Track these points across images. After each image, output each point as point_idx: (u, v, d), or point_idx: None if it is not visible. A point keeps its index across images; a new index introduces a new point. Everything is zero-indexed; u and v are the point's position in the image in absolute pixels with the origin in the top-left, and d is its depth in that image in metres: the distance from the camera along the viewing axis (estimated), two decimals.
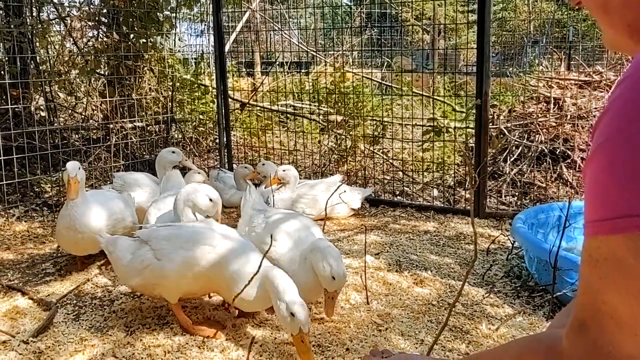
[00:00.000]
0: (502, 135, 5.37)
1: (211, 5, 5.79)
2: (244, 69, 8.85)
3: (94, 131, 6.18)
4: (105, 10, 5.84)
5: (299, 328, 2.35)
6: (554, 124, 5.17)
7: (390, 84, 7.12)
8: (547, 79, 5.74)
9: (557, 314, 1.04)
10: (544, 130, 5.16)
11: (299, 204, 4.71)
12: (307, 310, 2.40)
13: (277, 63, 8.53)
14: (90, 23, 5.75)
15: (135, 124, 5.93)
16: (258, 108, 7.04)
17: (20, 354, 2.55)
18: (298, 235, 2.93)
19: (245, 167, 5.23)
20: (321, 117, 6.60)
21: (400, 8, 8.86)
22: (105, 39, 5.77)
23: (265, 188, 4.92)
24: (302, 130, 6.37)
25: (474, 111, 4.66)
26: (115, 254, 2.84)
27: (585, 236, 0.69)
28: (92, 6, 6.04)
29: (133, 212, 3.76)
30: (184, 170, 5.26)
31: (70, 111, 6.35)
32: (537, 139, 5.13)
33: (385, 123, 5.91)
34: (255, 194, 3.48)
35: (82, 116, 6.24)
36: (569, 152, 4.95)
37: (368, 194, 5.04)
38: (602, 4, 0.74)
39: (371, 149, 5.86)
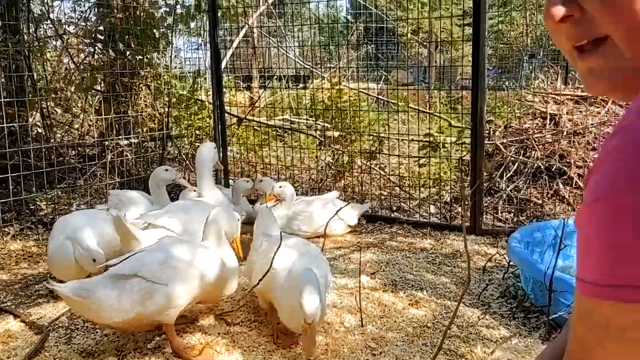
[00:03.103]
0: (497, 152, 5.36)
1: (208, 22, 5.80)
2: (241, 83, 8.86)
3: (90, 148, 6.17)
4: (101, 28, 5.85)
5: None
6: (550, 140, 5.17)
7: (387, 99, 7.12)
8: (543, 94, 5.75)
9: (560, 334, 1.03)
10: (540, 146, 5.15)
11: (295, 221, 4.70)
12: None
13: (275, 77, 8.54)
14: (86, 40, 5.75)
15: (130, 140, 5.93)
16: (255, 123, 7.04)
17: None
18: (293, 263, 2.88)
19: (247, 181, 5.21)
20: (318, 132, 6.60)
21: (396, 23, 8.89)
22: (101, 56, 5.78)
23: (261, 205, 4.91)
24: (300, 145, 6.37)
25: (468, 135, 4.66)
26: (93, 297, 2.59)
27: (577, 291, 0.67)
28: (88, 23, 6.05)
29: None
30: (180, 188, 5.25)
31: (67, 127, 6.35)
32: (533, 155, 5.12)
33: (382, 138, 5.91)
34: (267, 217, 3.41)
35: (79, 132, 6.23)
36: (566, 169, 4.94)
37: (365, 210, 5.02)
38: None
39: (368, 164, 5.85)
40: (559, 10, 0.73)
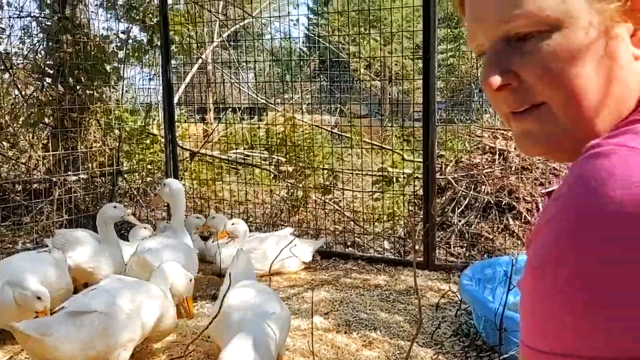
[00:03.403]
0: (449, 186, 5.45)
1: (160, 57, 5.76)
2: (195, 115, 8.80)
3: (37, 184, 6.00)
4: (50, 62, 5.74)
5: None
6: (499, 175, 5.28)
7: (340, 133, 7.18)
8: (492, 129, 5.89)
9: None
10: (490, 181, 5.26)
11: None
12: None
13: (230, 109, 8.52)
14: (34, 75, 5.63)
15: (80, 176, 5.78)
16: (208, 157, 6.98)
17: None
18: (244, 312, 2.81)
19: (198, 217, 5.14)
20: (273, 166, 6.58)
21: (349, 57, 9.04)
22: (50, 90, 5.65)
23: (213, 242, 4.84)
24: (254, 180, 6.33)
25: (420, 171, 4.73)
26: (57, 335, 2.58)
27: (521, 353, 0.67)
28: (37, 57, 5.93)
29: (67, 274, 3.61)
30: (130, 225, 5.13)
31: (13, 162, 6.16)
32: (483, 189, 5.22)
33: (337, 172, 5.93)
34: (243, 262, 3.36)
35: (26, 167, 6.06)
36: (515, 204, 5.04)
37: (319, 246, 5.00)
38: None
39: (323, 198, 5.85)
40: (496, 80, 0.74)
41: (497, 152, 5.48)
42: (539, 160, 5.21)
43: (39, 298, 3.10)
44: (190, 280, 3.22)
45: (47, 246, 4.36)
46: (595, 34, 0.69)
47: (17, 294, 3.15)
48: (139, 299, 2.87)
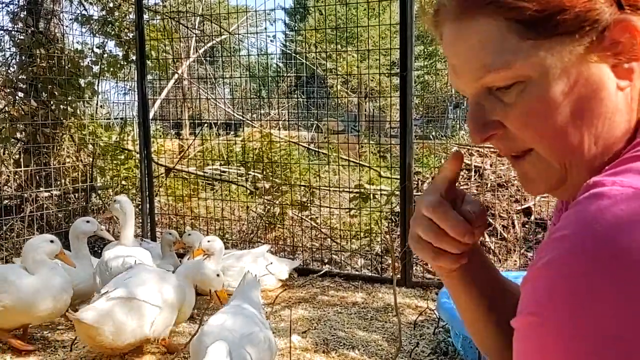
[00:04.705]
0: None
1: (136, 72, 5.70)
2: (171, 131, 8.72)
3: (7, 200, 5.86)
4: (23, 76, 5.64)
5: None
6: (475, 192, 5.32)
7: (317, 150, 7.18)
8: (468, 146, 5.95)
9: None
10: None
11: (224, 276, 4.57)
12: None
13: (206, 125, 8.46)
14: (6, 89, 5.52)
15: (52, 192, 5.67)
16: (184, 172, 6.91)
17: None
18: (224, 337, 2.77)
19: (170, 234, 5.07)
20: (249, 183, 6.54)
21: (325, 73, 9.07)
22: (22, 105, 5.55)
23: (188, 259, 4.77)
24: (230, 197, 6.28)
25: (398, 189, 4.74)
26: (111, 322, 3.00)
27: None
28: (10, 71, 5.83)
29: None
30: (104, 242, 5.03)
31: None
32: None
33: (314, 189, 5.92)
34: (253, 286, 3.32)
35: None
36: (491, 221, 5.08)
37: (296, 265, 4.97)
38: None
39: (299, 215, 5.83)
40: (481, 135, 0.75)
41: (473, 169, 5.53)
42: (514, 177, 5.27)
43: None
44: (218, 275, 3.60)
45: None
46: (572, 78, 0.69)
47: None
48: (169, 288, 3.29)
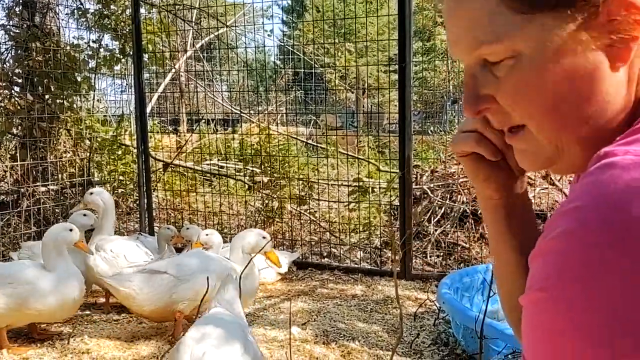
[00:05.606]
0: (425, 196, 5.45)
1: (133, 66, 5.67)
2: (168, 127, 8.68)
3: (4, 195, 5.83)
4: (19, 70, 5.60)
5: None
6: None
7: (316, 144, 7.15)
8: None
9: None
10: (466, 190, 5.28)
11: None
12: None
13: (203, 120, 8.43)
14: (2, 83, 5.49)
15: (49, 187, 5.64)
16: (182, 168, 6.88)
17: None
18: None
19: (168, 229, 5.03)
20: (247, 177, 6.51)
21: (324, 69, 9.04)
22: (18, 99, 5.52)
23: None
24: (228, 190, 6.25)
25: (396, 181, 4.72)
26: (133, 286, 3.39)
27: None
28: (5, 65, 5.79)
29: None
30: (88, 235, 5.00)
31: None
32: (459, 199, 5.23)
33: (312, 183, 5.89)
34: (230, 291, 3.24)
35: None
36: None
37: (295, 258, 4.95)
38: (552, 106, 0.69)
39: (298, 209, 5.80)
40: (472, 107, 0.75)
41: None
42: None
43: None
44: (264, 237, 3.74)
45: (12, 259, 4.22)
46: (564, 56, 0.66)
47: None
48: (203, 270, 3.44)
